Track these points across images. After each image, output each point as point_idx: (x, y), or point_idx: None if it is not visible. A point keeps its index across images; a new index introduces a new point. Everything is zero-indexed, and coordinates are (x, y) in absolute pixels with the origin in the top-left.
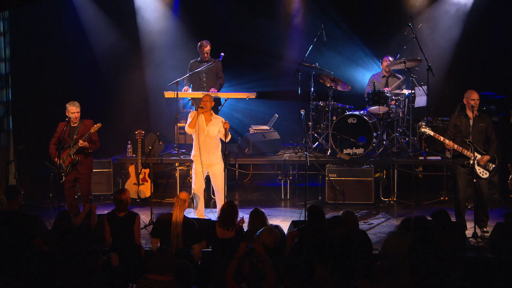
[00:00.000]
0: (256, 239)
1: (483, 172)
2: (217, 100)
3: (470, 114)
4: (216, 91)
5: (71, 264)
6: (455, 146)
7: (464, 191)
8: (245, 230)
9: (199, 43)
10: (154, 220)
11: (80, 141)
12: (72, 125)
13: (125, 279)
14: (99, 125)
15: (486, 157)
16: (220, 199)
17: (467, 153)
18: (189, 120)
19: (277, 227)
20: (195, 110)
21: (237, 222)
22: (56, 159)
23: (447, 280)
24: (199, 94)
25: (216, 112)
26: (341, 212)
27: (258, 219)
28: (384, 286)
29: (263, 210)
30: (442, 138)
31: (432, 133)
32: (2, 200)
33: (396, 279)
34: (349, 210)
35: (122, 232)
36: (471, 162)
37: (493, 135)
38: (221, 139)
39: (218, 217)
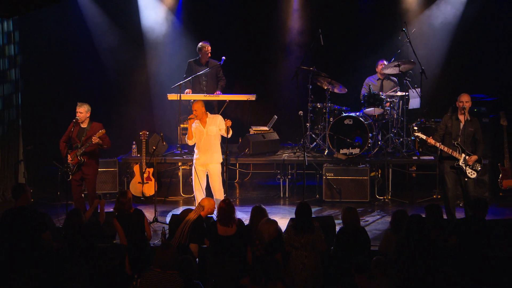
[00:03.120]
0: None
1: (471, 172)
2: (219, 102)
3: (461, 117)
4: (220, 93)
5: (82, 260)
6: (445, 148)
7: (452, 189)
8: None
9: (198, 45)
10: (158, 217)
11: (94, 138)
12: (81, 126)
13: (133, 272)
14: (103, 131)
15: (474, 157)
16: (218, 198)
17: (455, 154)
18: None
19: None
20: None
21: (236, 219)
22: (64, 157)
23: (437, 274)
24: (200, 97)
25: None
26: (343, 208)
27: (260, 215)
28: (380, 281)
29: (264, 207)
30: (427, 138)
31: (424, 137)
32: (12, 199)
33: (391, 274)
34: (351, 207)
35: (132, 228)
36: (460, 163)
37: (481, 138)
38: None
39: (217, 216)
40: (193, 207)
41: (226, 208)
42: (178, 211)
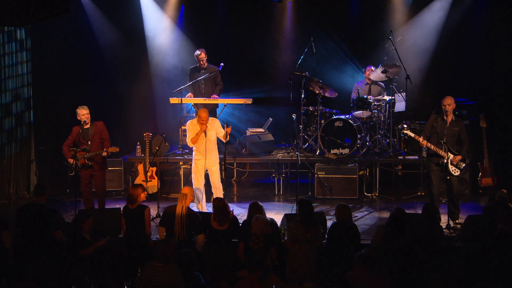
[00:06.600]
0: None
1: (455, 170)
2: (217, 106)
3: (446, 118)
4: (217, 97)
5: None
6: (432, 146)
7: (437, 186)
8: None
9: (195, 52)
10: (161, 213)
11: (104, 152)
12: (85, 127)
13: (135, 266)
14: (117, 149)
15: (459, 157)
16: (217, 194)
17: (441, 152)
18: (189, 133)
19: (272, 220)
20: (196, 117)
21: (230, 217)
22: (70, 159)
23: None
24: (200, 100)
25: (215, 117)
26: (337, 204)
27: (257, 211)
28: (366, 272)
29: (261, 204)
30: (417, 137)
31: (412, 135)
32: (25, 196)
33: (379, 267)
34: (344, 204)
35: (133, 222)
36: (445, 161)
37: (465, 138)
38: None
39: (214, 216)
40: (174, 203)
41: (222, 207)
42: None
